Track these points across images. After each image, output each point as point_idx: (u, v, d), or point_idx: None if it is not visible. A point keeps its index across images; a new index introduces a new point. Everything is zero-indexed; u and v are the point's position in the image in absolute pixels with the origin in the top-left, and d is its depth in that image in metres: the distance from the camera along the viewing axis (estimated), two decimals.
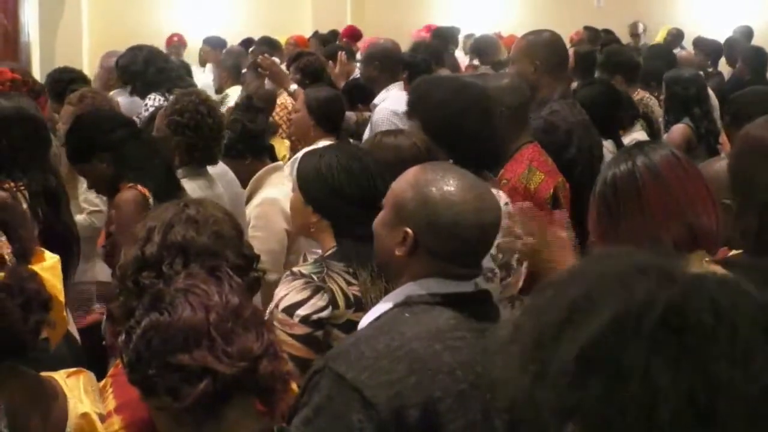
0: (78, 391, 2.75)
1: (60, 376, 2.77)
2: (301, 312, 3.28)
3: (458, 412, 2.59)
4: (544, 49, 5.38)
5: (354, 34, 13.48)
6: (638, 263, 1.25)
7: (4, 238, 2.73)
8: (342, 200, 3.43)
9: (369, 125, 7.00)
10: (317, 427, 2.56)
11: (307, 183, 3.54)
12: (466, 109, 4.06)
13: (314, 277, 3.34)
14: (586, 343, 1.17)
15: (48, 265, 2.77)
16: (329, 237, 3.47)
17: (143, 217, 4.32)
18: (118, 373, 2.73)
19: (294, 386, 2.75)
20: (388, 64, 7.56)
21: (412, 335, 2.63)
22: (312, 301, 3.30)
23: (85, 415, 2.71)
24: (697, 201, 2.94)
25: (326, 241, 3.48)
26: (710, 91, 9.24)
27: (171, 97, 6.66)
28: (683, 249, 2.80)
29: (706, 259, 2.85)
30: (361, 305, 3.31)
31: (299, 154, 6.10)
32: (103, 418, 2.78)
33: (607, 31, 13.35)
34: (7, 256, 2.71)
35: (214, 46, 13.30)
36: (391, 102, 7.03)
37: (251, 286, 2.97)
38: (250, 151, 5.67)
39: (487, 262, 3.86)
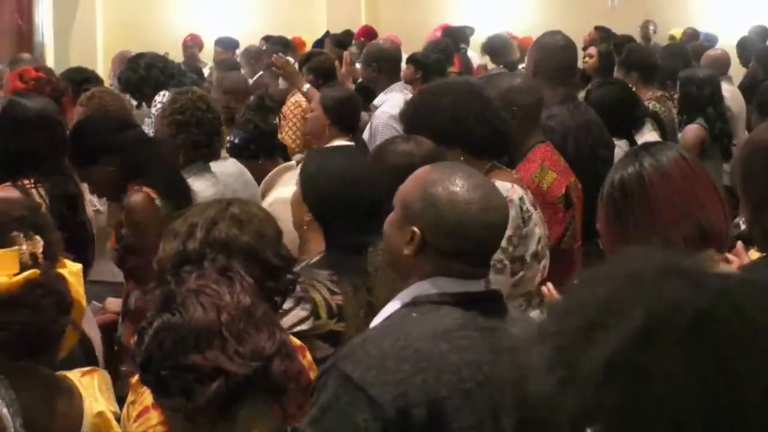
0: (93, 389, 2.77)
1: (74, 375, 2.79)
2: (283, 325, 3.28)
3: (464, 412, 2.60)
4: (544, 52, 5.48)
5: (369, 34, 13.42)
6: (667, 265, 1.25)
7: (38, 238, 2.76)
8: (333, 207, 3.42)
9: (368, 128, 7.01)
10: (324, 427, 2.57)
11: (306, 182, 3.54)
12: (461, 104, 4.09)
13: (297, 287, 3.34)
14: (614, 349, 1.17)
15: (74, 270, 2.80)
16: (317, 239, 3.47)
17: (155, 218, 4.37)
18: None
19: None
20: (385, 65, 7.58)
21: (419, 335, 2.63)
22: (293, 312, 3.29)
23: (100, 414, 2.73)
24: (705, 200, 2.95)
25: (313, 241, 3.49)
26: (736, 89, 9.26)
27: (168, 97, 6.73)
28: (693, 248, 2.80)
29: (716, 257, 2.86)
30: (343, 315, 3.31)
31: None
32: (118, 417, 2.80)
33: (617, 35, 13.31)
34: (39, 256, 2.74)
35: (226, 47, 13.30)
36: (390, 105, 7.04)
37: (287, 286, 2.99)
38: (262, 151, 5.69)
39: (497, 254, 3.88)
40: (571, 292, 1.31)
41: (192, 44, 14.29)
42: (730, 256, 3.05)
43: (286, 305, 3.28)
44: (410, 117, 4.28)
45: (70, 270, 2.78)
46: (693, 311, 1.17)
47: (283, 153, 5.94)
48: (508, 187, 4.01)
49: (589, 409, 1.16)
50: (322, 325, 3.30)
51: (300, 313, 3.28)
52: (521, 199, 4.06)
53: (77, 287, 2.74)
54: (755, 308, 1.20)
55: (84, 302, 2.78)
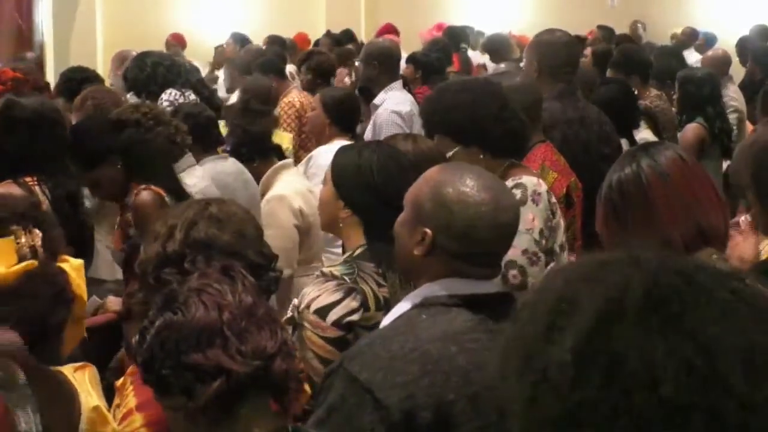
0: (86, 385, 2.77)
1: (68, 371, 2.79)
2: (334, 315, 3.27)
3: (471, 415, 2.58)
4: (545, 49, 5.48)
5: (391, 32, 13.30)
6: (601, 260, 1.29)
7: (37, 231, 2.78)
8: (377, 200, 3.40)
9: (371, 126, 7.02)
10: (330, 428, 2.56)
11: (343, 178, 3.51)
12: (479, 103, 4.08)
13: (346, 278, 3.32)
14: (577, 341, 1.19)
15: (75, 265, 2.82)
16: (357, 234, 3.45)
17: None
18: (137, 372, 2.75)
19: (306, 387, 2.77)
20: (387, 63, 7.59)
21: (427, 337, 2.62)
22: (345, 303, 3.29)
23: (96, 408, 2.74)
24: (704, 200, 2.96)
25: (352, 237, 3.46)
26: (737, 88, 9.27)
27: (187, 93, 6.72)
28: (692, 248, 2.81)
29: (715, 256, 2.86)
30: (389, 308, 3.32)
31: (315, 152, 6.14)
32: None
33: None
34: (39, 249, 2.75)
35: (235, 41, 13.26)
36: (392, 103, 7.07)
37: (270, 285, 2.99)
38: (255, 153, 5.68)
39: (532, 246, 3.89)
40: (523, 306, 1.33)
41: (174, 43, 14.20)
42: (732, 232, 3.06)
43: (337, 296, 3.28)
44: (429, 115, 4.28)
45: (72, 265, 2.80)
46: (641, 287, 1.20)
47: (278, 153, 5.92)
48: (535, 182, 4.04)
49: (572, 405, 1.17)
50: (371, 317, 3.30)
51: (351, 303, 3.28)
52: (548, 192, 4.10)
53: (78, 281, 2.76)
54: (697, 273, 1.24)
55: (86, 297, 2.80)
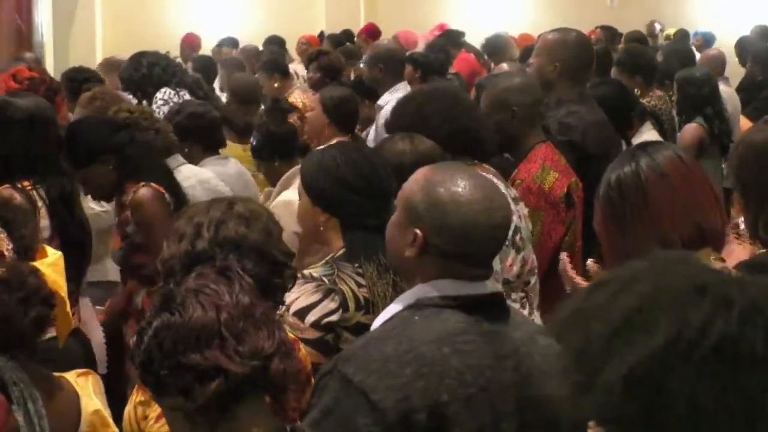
0: (88, 389, 2.78)
1: (71, 376, 2.80)
2: (312, 316, 3.28)
3: (466, 417, 2.58)
4: (567, 50, 5.37)
5: (373, 32, 13.43)
6: (697, 282, 1.24)
7: (3, 235, 2.76)
8: (348, 191, 3.43)
9: (374, 126, 7.02)
10: (324, 430, 2.56)
11: (311, 181, 3.54)
12: (426, 102, 4.14)
13: (325, 279, 3.34)
14: (636, 363, 1.16)
15: (50, 261, 2.80)
16: (338, 237, 3.46)
17: (165, 214, 4.38)
18: None
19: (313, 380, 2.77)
20: (392, 65, 7.60)
21: (421, 339, 2.61)
22: (323, 304, 3.30)
23: (97, 412, 2.75)
24: (702, 200, 2.96)
25: (335, 241, 3.48)
26: (732, 91, 9.26)
27: (182, 93, 6.74)
28: (690, 248, 2.80)
29: (713, 257, 2.86)
30: (370, 307, 3.32)
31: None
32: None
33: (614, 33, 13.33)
34: (7, 253, 2.73)
35: (229, 47, 13.27)
36: None
37: (288, 282, 3.02)
38: (277, 153, 5.70)
39: None
40: (595, 292, 1.29)
41: (186, 46, 14.17)
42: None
43: (316, 297, 3.29)
44: (387, 127, 4.32)
45: (46, 261, 2.77)
46: (718, 334, 1.16)
47: (303, 154, 5.93)
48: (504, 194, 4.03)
49: (606, 418, 1.15)
50: (350, 318, 3.31)
51: (329, 304, 3.30)
52: (506, 186, 4.07)
53: (54, 278, 2.73)
54: None
55: (63, 292, 2.77)
